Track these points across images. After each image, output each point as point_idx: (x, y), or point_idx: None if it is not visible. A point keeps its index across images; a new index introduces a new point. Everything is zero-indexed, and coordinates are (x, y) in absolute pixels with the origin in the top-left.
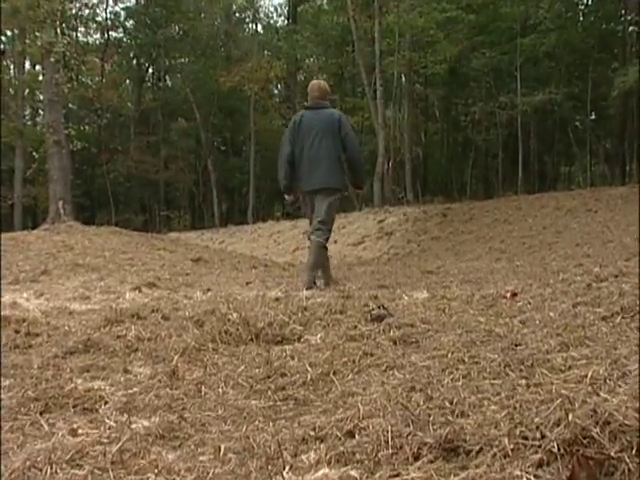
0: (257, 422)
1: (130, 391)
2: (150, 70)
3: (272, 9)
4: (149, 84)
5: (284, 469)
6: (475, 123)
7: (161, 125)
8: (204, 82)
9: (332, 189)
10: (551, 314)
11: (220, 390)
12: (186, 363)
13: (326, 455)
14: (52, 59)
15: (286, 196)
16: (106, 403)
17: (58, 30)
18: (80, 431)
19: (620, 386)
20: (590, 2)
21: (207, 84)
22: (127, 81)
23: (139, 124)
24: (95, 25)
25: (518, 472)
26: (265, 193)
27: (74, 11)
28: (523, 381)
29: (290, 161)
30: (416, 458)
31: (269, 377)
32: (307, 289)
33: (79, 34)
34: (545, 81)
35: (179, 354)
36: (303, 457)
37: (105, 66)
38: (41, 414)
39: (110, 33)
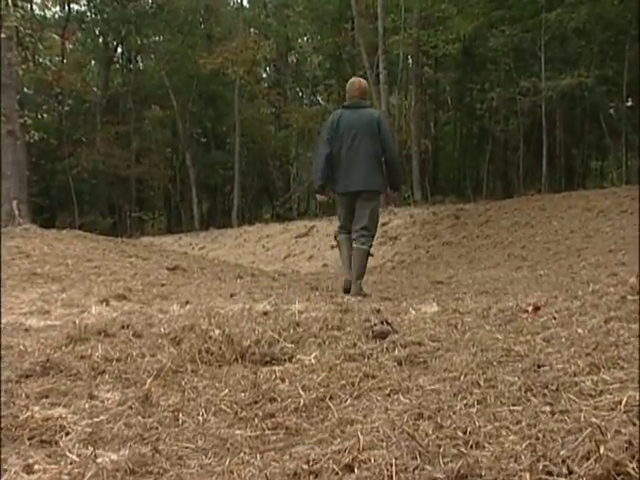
0: (242, 454)
1: (96, 420)
2: (119, 50)
3: None
4: (118, 66)
5: None
6: (493, 111)
7: (132, 113)
8: (181, 64)
9: (372, 192)
10: (579, 331)
11: (200, 418)
12: (161, 387)
13: None
14: (3, 35)
15: (318, 196)
16: (68, 434)
17: (9, 1)
18: (37, 467)
19: None
20: None
21: (185, 66)
22: (92, 62)
23: (106, 112)
24: None
25: None
26: (252, 192)
27: None
28: (547, 408)
29: (329, 161)
30: None
31: (256, 402)
32: (354, 295)
33: (35, 6)
34: (574, 62)
35: (153, 377)
36: None
37: (66, 44)
38: None
39: (72, 6)
